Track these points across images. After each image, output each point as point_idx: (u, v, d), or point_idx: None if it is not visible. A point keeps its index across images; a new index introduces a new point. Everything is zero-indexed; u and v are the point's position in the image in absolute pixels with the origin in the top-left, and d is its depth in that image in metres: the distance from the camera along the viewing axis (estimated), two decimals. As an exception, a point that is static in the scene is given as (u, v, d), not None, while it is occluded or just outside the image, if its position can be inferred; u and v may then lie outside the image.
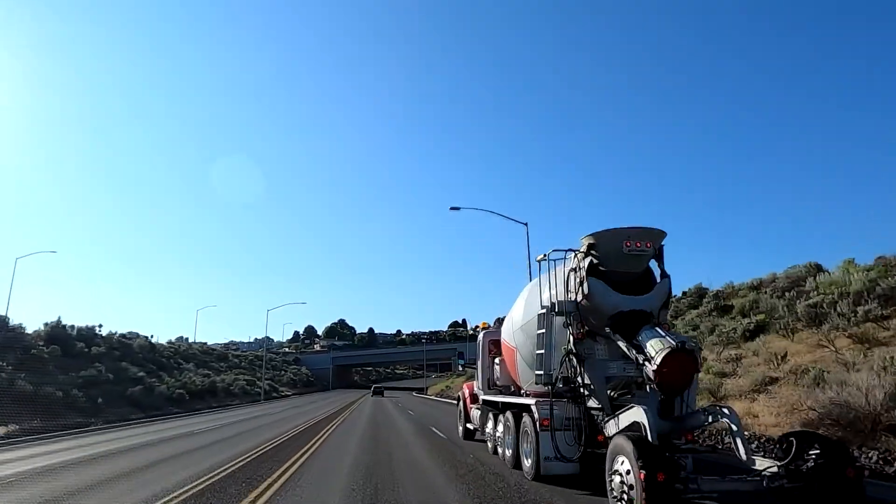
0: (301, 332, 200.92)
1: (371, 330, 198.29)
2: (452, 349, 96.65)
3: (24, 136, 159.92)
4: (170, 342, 55.30)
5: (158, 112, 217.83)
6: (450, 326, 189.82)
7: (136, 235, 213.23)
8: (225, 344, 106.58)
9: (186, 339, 68.22)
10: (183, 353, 51.00)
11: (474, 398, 13.86)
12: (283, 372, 78.85)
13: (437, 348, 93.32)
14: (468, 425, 14.47)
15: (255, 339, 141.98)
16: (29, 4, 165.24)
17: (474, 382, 14.27)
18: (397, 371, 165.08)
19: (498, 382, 12.27)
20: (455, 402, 18.37)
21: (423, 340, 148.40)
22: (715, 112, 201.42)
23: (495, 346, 12.44)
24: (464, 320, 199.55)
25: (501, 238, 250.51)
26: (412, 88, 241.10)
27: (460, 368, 18.82)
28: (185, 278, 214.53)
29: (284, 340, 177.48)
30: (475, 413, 13.53)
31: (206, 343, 69.85)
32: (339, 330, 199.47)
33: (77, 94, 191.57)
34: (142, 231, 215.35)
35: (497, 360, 12.23)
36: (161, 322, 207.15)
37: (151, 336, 44.69)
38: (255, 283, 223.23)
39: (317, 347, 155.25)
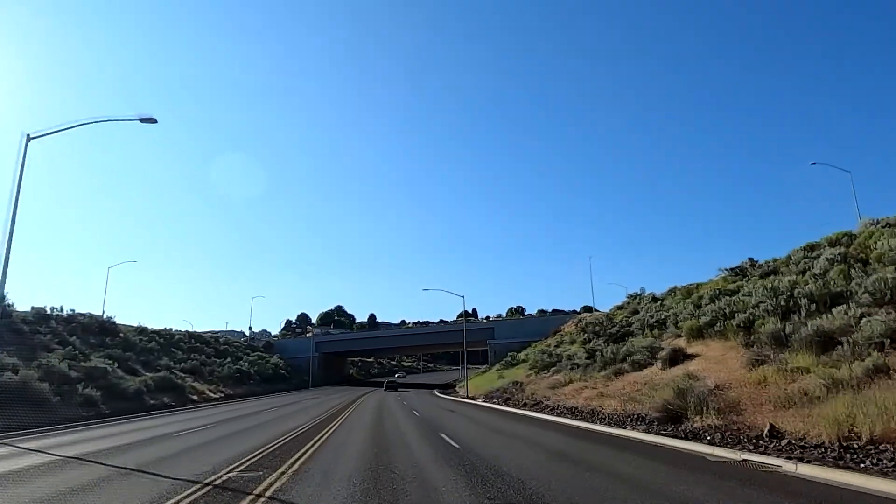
0: (293, 321, 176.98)
1: (373, 316, 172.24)
2: (488, 329, 67.34)
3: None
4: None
5: (159, 110, 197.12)
6: (458, 317, 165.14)
7: (135, 233, 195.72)
8: (210, 331, 79.21)
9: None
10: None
11: None
12: (226, 360, 49.69)
13: (471, 328, 63.67)
14: None
15: (251, 328, 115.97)
16: (29, 3, 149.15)
17: None
18: (404, 363, 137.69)
19: None
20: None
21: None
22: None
23: None
24: (474, 310, 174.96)
25: (503, 231, 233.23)
26: (413, 81, 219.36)
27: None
28: (184, 276, 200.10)
29: (278, 332, 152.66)
30: None
31: (92, 315, 40.69)
32: (336, 317, 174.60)
33: (77, 93, 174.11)
34: (141, 228, 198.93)
35: None
36: (163, 317, 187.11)
37: None
38: (254, 278, 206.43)
39: (309, 336, 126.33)
